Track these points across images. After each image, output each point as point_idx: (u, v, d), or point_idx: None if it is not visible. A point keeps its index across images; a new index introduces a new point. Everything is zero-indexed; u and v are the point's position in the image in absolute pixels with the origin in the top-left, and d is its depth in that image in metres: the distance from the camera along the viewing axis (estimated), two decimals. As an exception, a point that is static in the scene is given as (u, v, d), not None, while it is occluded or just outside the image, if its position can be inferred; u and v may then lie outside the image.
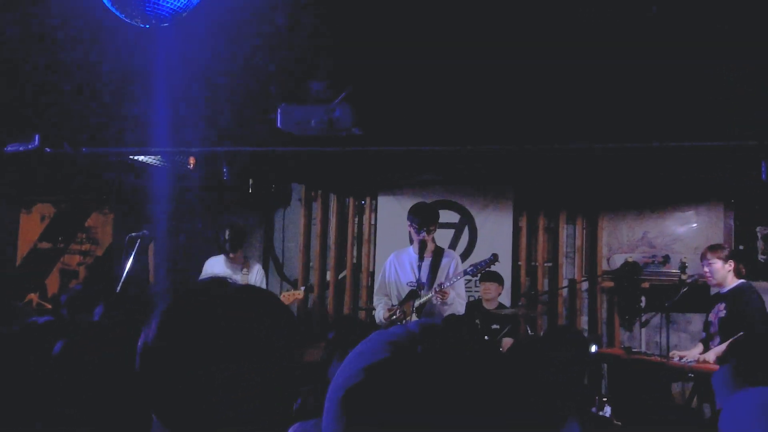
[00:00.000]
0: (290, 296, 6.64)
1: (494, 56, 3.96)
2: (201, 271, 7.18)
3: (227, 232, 6.78)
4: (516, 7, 3.40)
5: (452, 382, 0.94)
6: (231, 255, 6.78)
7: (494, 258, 5.37)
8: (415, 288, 5.29)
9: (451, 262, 5.49)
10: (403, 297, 5.39)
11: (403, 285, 5.46)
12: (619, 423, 4.34)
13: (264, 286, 6.78)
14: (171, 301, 1.31)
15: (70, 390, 1.73)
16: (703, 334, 5.69)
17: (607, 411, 3.60)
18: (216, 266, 7.00)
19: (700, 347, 5.59)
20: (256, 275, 6.88)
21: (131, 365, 1.28)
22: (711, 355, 5.12)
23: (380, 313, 5.50)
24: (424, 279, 5.30)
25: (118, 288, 5.78)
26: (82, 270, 8.10)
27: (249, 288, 1.34)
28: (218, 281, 1.32)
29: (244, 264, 6.89)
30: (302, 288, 6.83)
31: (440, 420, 0.93)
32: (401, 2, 3.36)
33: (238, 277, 6.81)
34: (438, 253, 5.49)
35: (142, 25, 2.66)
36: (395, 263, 5.63)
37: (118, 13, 2.61)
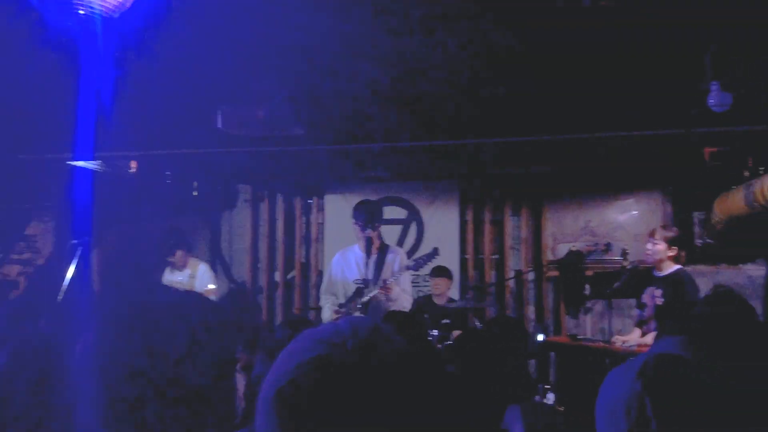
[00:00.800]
0: (207, 292, 6.61)
1: (432, 53, 4.00)
2: (149, 277, 7.09)
3: (164, 236, 6.79)
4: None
5: (381, 377, 0.96)
6: (169, 258, 6.74)
7: (435, 252, 5.44)
8: (361, 286, 5.30)
9: (396, 258, 5.52)
10: (350, 295, 5.40)
11: (349, 283, 5.46)
12: (562, 409, 4.42)
13: (212, 285, 6.73)
14: (107, 310, 1.32)
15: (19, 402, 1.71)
16: (637, 312, 5.70)
17: (551, 398, 3.67)
18: (166, 275, 6.94)
19: (637, 332, 5.68)
20: (202, 276, 6.82)
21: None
22: (650, 339, 5.24)
23: (326, 314, 5.51)
24: (370, 276, 5.31)
25: (60, 297, 5.66)
26: (22, 280, 7.88)
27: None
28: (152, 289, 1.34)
29: (188, 265, 6.83)
30: (212, 286, 6.83)
31: (371, 416, 0.94)
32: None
33: (184, 279, 6.75)
34: (383, 250, 5.51)
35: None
36: (341, 262, 5.63)
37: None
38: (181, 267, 6.80)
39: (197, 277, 6.78)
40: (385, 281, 5.20)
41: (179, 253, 6.78)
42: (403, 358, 1.01)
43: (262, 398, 1.02)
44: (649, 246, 5.44)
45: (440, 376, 1.08)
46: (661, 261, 5.39)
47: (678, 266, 5.38)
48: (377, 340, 1.02)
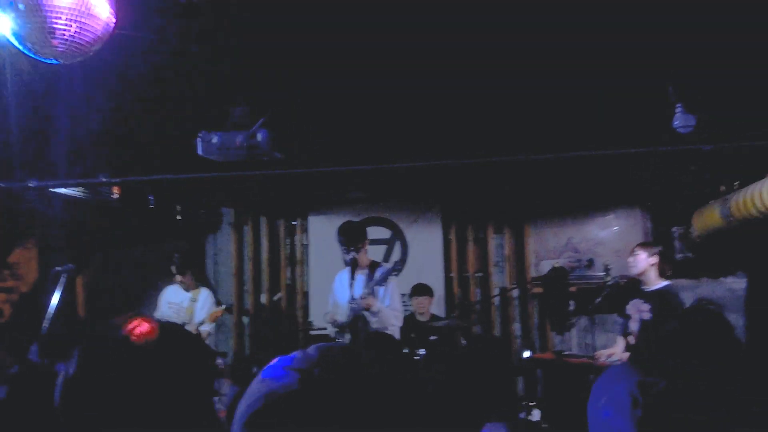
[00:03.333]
0: (213, 315, 6.60)
1: (408, 77, 4.07)
2: (136, 302, 7.08)
3: (175, 256, 6.76)
4: (422, 28, 3.51)
5: (349, 403, 1.00)
6: (179, 278, 6.72)
7: (395, 265, 5.50)
8: (354, 306, 5.33)
9: (387, 274, 5.51)
10: (347, 314, 5.42)
11: (344, 304, 5.49)
12: (546, 425, 4.44)
13: (210, 310, 6.71)
14: (88, 340, 1.36)
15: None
16: (621, 321, 5.72)
17: (536, 415, 3.69)
18: (167, 293, 6.91)
19: (622, 343, 5.72)
20: (203, 302, 6.80)
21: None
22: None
23: (329, 327, 5.61)
24: (356, 295, 5.36)
25: (46, 325, 5.64)
26: (6, 308, 7.83)
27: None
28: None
29: (193, 287, 6.81)
30: (222, 306, 6.83)
31: None
32: (319, 29, 3.43)
33: (185, 302, 6.74)
34: (373, 267, 5.53)
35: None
36: (338, 283, 5.68)
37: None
38: (187, 288, 6.77)
39: (198, 300, 6.76)
40: (362, 297, 5.24)
41: (189, 275, 6.77)
42: (375, 381, 1.05)
43: (235, 424, 1.05)
44: (630, 259, 5.51)
45: (417, 396, 1.11)
46: (644, 272, 5.43)
47: (667, 282, 5.42)
48: (346, 366, 1.05)
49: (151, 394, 1.33)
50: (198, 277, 6.97)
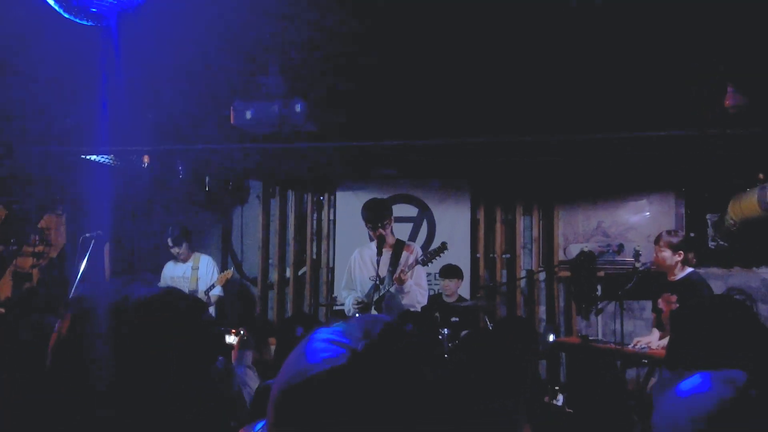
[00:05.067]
0: (223, 278, 6.67)
1: (446, 51, 3.99)
2: (159, 273, 7.14)
3: (169, 230, 6.82)
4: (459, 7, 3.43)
5: (393, 378, 0.95)
6: (175, 250, 6.78)
7: (443, 246, 5.41)
8: (376, 282, 5.31)
9: (410, 254, 5.49)
10: (366, 292, 5.43)
11: (365, 280, 5.50)
12: (570, 411, 4.40)
13: (215, 277, 6.76)
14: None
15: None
16: (654, 316, 5.68)
17: (560, 399, 3.66)
18: (167, 269, 7.00)
19: (656, 333, 5.63)
20: (206, 268, 6.86)
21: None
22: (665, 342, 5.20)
23: (349, 303, 5.56)
24: (384, 273, 5.32)
25: (72, 290, 5.70)
26: (35, 272, 7.93)
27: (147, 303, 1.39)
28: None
29: (191, 258, 6.88)
30: (231, 268, 6.92)
31: (378, 424, 0.93)
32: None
33: (186, 272, 6.79)
34: (399, 246, 5.49)
35: (87, 23, 2.62)
36: (358, 260, 5.66)
37: (62, 11, 2.56)
38: (184, 260, 6.85)
39: (200, 267, 6.82)
40: (397, 272, 5.21)
41: (185, 246, 6.82)
42: (418, 355, 1.01)
43: (273, 397, 1.01)
44: (656, 254, 5.38)
45: (453, 373, 1.07)
46: (670, 267, 5.34)
47: (689, 269, 5.32)
48: (390, 340, 1.01)
49: (137, 358, 1.33)
50: (194, 248, 7.01)
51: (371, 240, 5.55)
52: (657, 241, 5.41)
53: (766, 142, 5.30)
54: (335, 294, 7.99)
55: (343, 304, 7.23)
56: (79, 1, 2.46)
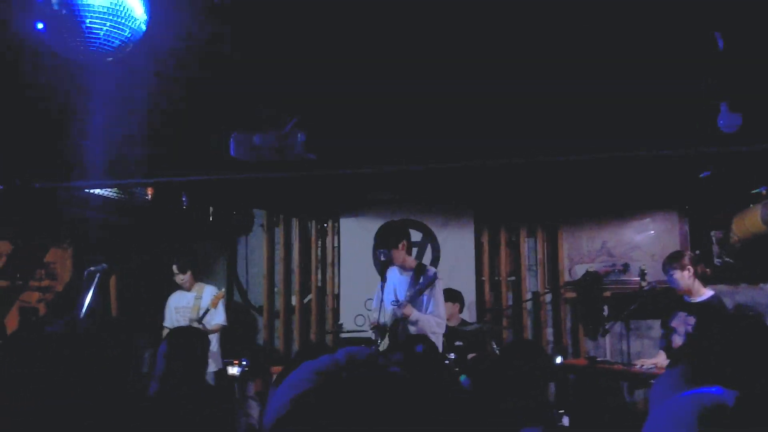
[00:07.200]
0: (215, 300, 6.65)
1: (445, 77, 4.02)
2: (165, 303, 7.14)
3: (176, 257, 6.84)
4: (460, 28, 3.46)
5: (375, 408, 0.96)
6: (181, 277, 6.76)
7: (434, 276, 5.23)
8: (395, 306, 5.15)
9: (429, 278, 5.19)
10: (389, 316, 5.28)
11: (387, 304, 5.26)
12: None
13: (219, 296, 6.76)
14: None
15: None
16: (663, 342, 5.52)
17: (565, 421, 3.63)
18: (172, 299, 6.99)
19: (662, 354, 5.52)
20: (208, 298, 6.85)
21: None
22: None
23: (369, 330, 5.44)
24: (401, 297, 5.19)
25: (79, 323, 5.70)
26: (41, 307, 7.95)
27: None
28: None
29: (195, 287, 6.87)
30: (223, 289, 6.89)
31: None
32: (353, 27, 3.40)
33: (189, 302, 6.78)
34: (419, 270, 5.24)
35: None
36: (388, 281, 5.36)
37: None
38: (188, 288, 6.84)
39: (203, 298, 6.81)
40: (400, 305, 5.08)
41: (189, 274, 6.82)
42: (399, 386, 1.01)
43: (264, 428, 1.03)
44: (669, 281, 5.25)
45: (445, 403, 1.07)
46: (689, 287, 5.18)
47: (711, 292, 5.20)
48: (372, 370, 1.02)
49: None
50: (198, 277, 7.00)
51: (375, 267, 5.45)
52: (664, 268, 5.29)
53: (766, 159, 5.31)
54: (341, 321, 7.98)
55: (353, 331, 7.20)
56: (75, 40, 2.50)
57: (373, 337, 5.31)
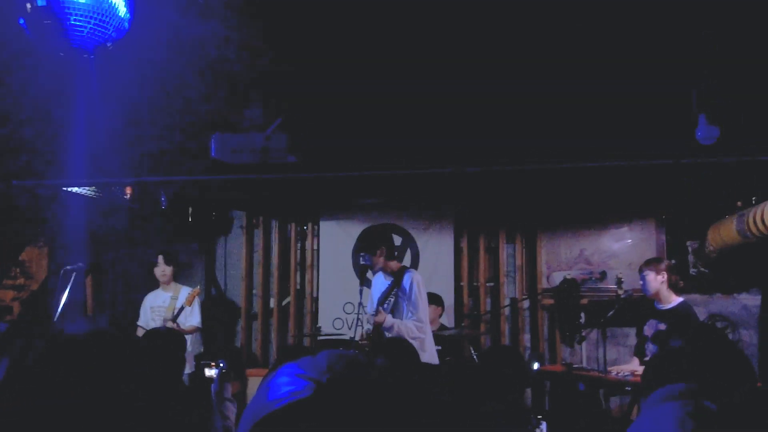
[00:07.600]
0: (191, 297, 6.57)
1: (428, 80, 4.04)
2: (141, 303, 7.07)
3: (163, 249, 6.78)
4: (446, 31, 3.48)
5: (356, 411, 0.96)
6: (162, 269, 6.67)
7: (410, 281, 5.19)
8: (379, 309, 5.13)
9: (410, 281, 5.18)
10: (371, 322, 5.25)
11: (373, 308, 5.26)
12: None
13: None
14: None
15: None
16: (636, 346, 5.66)
17: (543, 427, 3.66)
18: (148, 299, 6.91)
19: (636, 361, 5.64)
20: (184, 298, 6.78)
21: None
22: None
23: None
24: (376, 302, 5.19)
25: (54, 322, 5.64)
26: (16, 305, 7.85)
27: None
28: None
29: (172, 287, 6.79)
30: (198, 286, 6.78)
31: None
32: (336, 29, 3.41)
33: (165, 302, 6.71)
34: (400, 274, 5.22)
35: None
36: (373, 287, 5.44)
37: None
38: (166, 282, 6.74)
39: (178, 298, 6.73)
40: (372, 314, 5.10)
41: (171, 269, 6.73)
42: (380, 390, 1.02)
43: (241, 429, 1.03)
44: (641, 281, 5.41)
45: (425, 406, 1.08)
46: (659, 292, 5.34)
47: (680, 299, 5.34)
48: (353, 373, 1.02)
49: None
50: (176, 277, 6.92)
51: (354, 271, 5.47)
52: (640, 270, 5.46)
53: (744, 169, 5.38)
54: (319, 324, 7.96)
55: (331, 334, 7.21)
56: (57, 37, 2.48)
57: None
